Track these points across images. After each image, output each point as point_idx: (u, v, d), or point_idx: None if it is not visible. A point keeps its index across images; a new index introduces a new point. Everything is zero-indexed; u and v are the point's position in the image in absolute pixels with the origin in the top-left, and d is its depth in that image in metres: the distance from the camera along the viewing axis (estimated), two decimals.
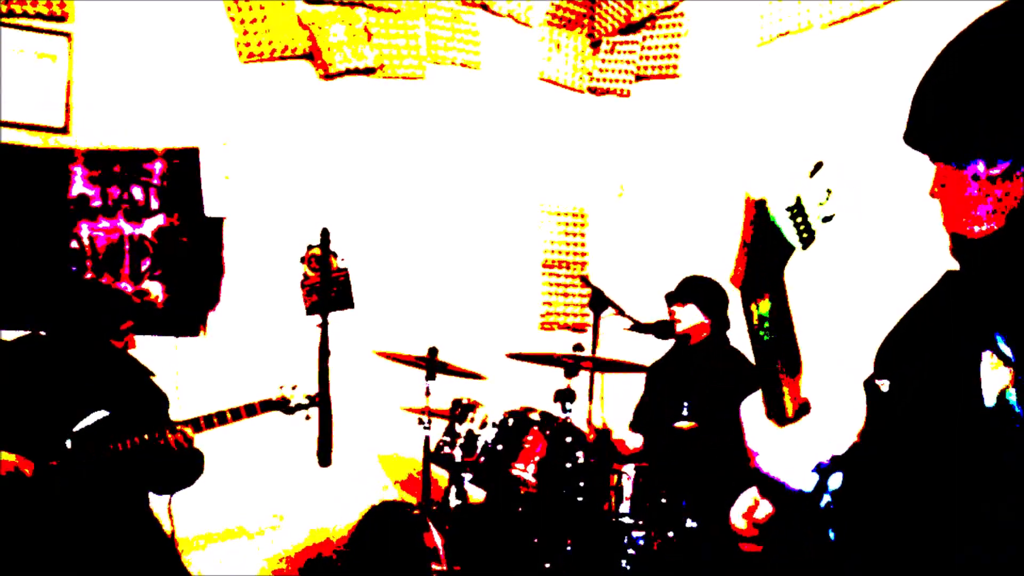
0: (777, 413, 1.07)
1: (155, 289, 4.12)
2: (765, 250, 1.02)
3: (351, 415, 3.78)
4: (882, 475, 1.04)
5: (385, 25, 4.70)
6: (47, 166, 3.93)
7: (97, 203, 4.02)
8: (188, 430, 2.99)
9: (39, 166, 3.91)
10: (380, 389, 4.36)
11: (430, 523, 3.38)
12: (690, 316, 3.72)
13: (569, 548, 3.24)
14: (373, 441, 4.55)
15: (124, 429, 2.96)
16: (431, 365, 3.73)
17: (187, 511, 3.42)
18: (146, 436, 2.94)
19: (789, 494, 1.06)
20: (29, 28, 3.91)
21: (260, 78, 4.40)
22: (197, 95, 4.25)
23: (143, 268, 4.10)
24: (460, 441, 3.57)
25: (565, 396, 3.49)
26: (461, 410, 3.65)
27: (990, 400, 0.95)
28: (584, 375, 3.60)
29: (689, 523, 3.21)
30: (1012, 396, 0.94)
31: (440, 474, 4.41)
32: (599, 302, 3.57)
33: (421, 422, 3.71)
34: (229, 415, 3.05)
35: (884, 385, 1.13)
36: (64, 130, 3.98)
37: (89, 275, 3.98)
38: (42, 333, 3.21)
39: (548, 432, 3.43)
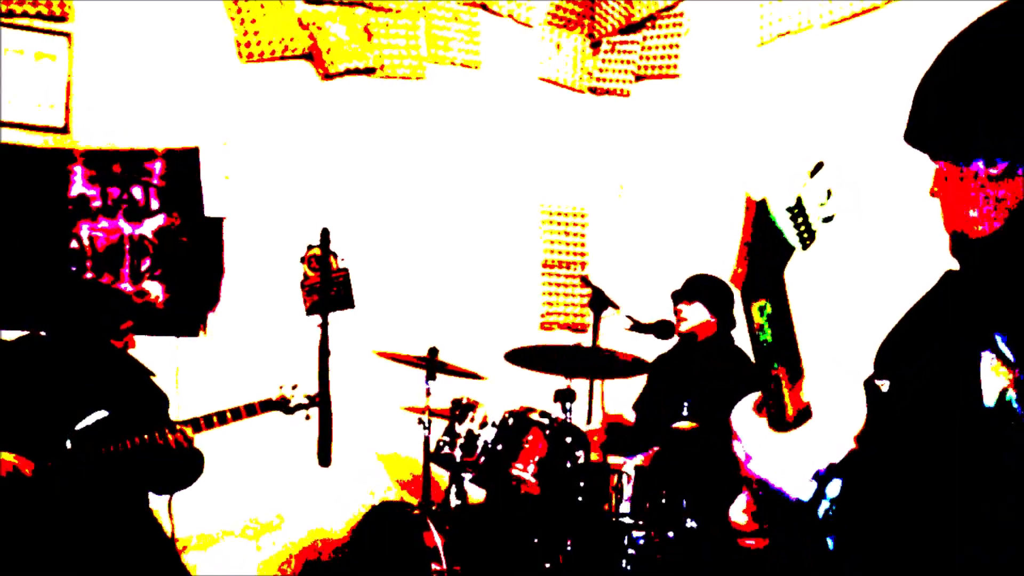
0: (777, 418, 1.07)
1: (155, 289, 4.12)
2: (765, 250, 1.02)
3: (351, 415, 3.78)
4: (881, 476, 1.04)
5: (385, 25, 4.70)
6: (47, 166, 3.93)
7: (97, 203, 4.02)
8: (188, 430, 2.99)
9: (39, 166, 3.91)
10: (380, 389, 4.36)
11: (430, 523, 3.38)
12: (696, 314, 3.71)
13: (569, 548, 3.24)
14: (373, 441, 4.55)
15: (124, 429, 2.96)
16: (431, 365, 3.73)
17: (187, 511, 3.42)
18: (146, 436, 2.94)
19: (784, 503, 1.05)
20: (29, 28, 3.91)
21: (260, 78, 4.40)
22: (197, 95, 4.24)
23: (143, 268, 4.10)
24: (460, 441, 3.56)
25: (565, 396, 3.49)
26: (461, 410, 3.65)
27: (990, 400, 0.95)
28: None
29: (689, 523, 3.20)
30: (1012, 396, 0.94)
31: (440, 474, 4.41)
32: (599, 302, 3.57)
33: (421, 422, 3.71)
34: (229, 415, 3.05)
35: (884, 385, 1.13)
36: (64, 130, 3.98)
37: (89, 275, 3.98)
38: (42, 333, 3.21)
39: (548, 432, 3.43)
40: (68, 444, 2.93)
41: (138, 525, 3.10)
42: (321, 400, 2.66)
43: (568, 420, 3.46)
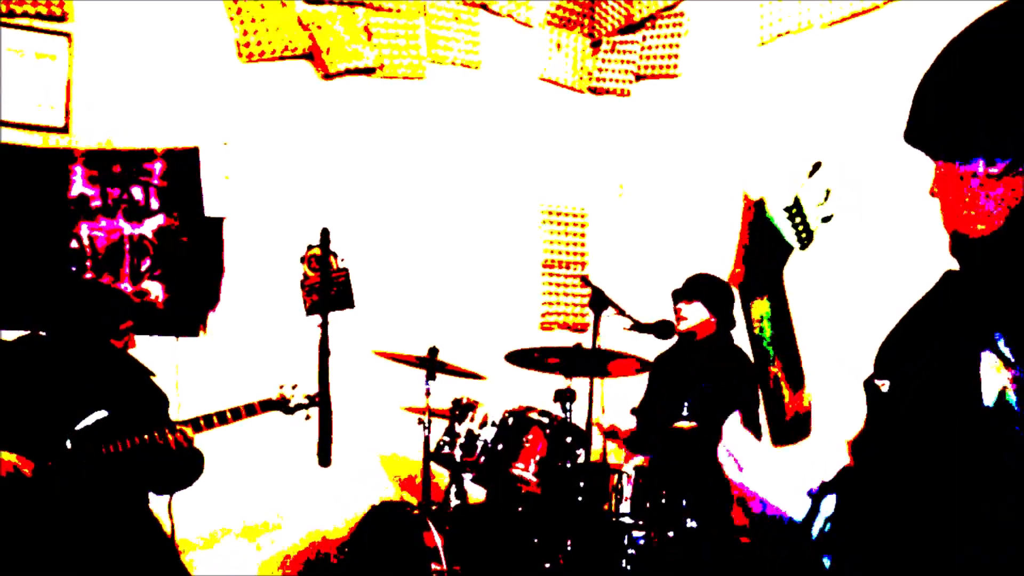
0: (775, 419, 1.06)
1: (155, 289, 4.12)
2: (764, 250, 1.02)
3: (351, 415, 3.78)
4: (879, 480, 1.04)
5: (385, 25, 4.70)
6: (47, 166, 3.93)
7: (97, 203, 4.02)
8: (188, 430, 2.99)
9: (39, 166, 3.91)
10: (380, 389, 4.36)
11: (430, 523, 3.38)
12: (696, 314, 3.72)
13: (569, 548, 3.24)
14: (373, 441, 4.55)
15: (124, 429, 2.96)
16: (431, 365, 3.73)
17: (187, 511, 3.42)
18: (146, 436, 2.94)
19: (776, 522, 1.04)
20: (29, 28, 3.91)
21: (260, 78, 4.40)
22: (197, 95, 4.25)
23: (143, 268, 4.10)
24: (460, 441, 3.56)
25: (565, 396, 3.49)
26: (461, 410, 3.65)
27: (990, 400, 0.95)
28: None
29: (689, 523, 3.20)
30: (1012, 396, 0.94)
31: (440, 474, 4.41)
32: (599, 302, 3.57)
33: (421, 422, 3.71)
34: (229, 415, 3.05)
35: (884, 385, 1.13)
36: (64, 130, 3.98)
37: (89, 275, 3.98)
38: (42, 333, 3.21)
39: (548, 431, 3.43)
40: (68, 444, 2.93)
41: (138, 525, 3.10)
42: (321, 400, 2.65)
43: (568, 420, 3.46)
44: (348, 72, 4.61)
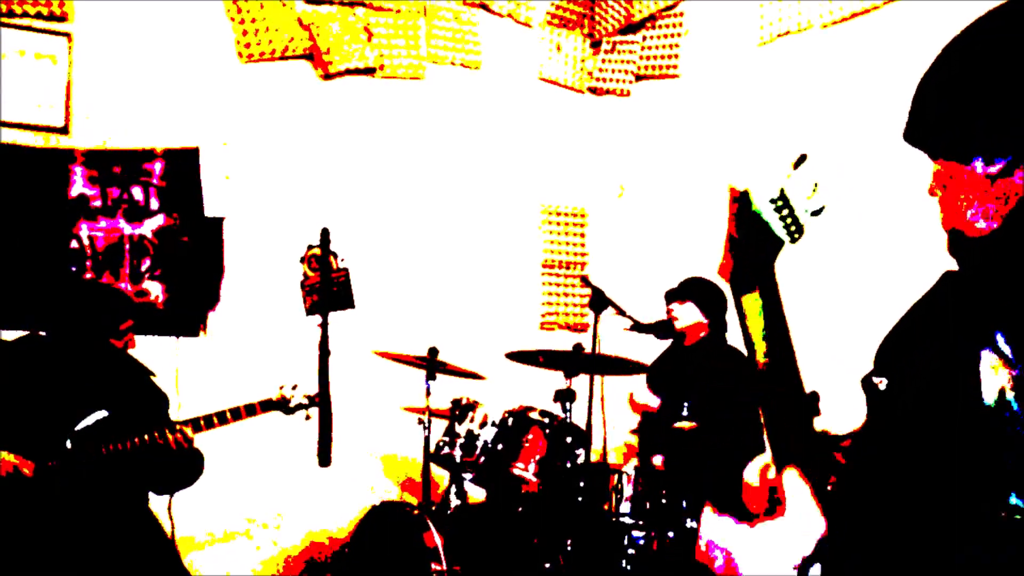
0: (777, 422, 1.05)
1: (155, 289, 4.12)
2: (751, 242, 1.02)
3: (351, 415, 3.78)
4: (876, 483, 1.04)
5: (385, 25, 4.70)
6: (47, 166, 3.93)
7: (97, 203, 4.02)
8: (188, 430, 2.99)
9: (39, 166, 3.91)
10: (380, 389, 4.36)
11: (430, 523, 3.38)
12: (688, 315, 3.74)
13: (569, 548, 3.24)
14: (373, 441, 4.55)
15: (124, 429, 2.96)
16: (431, 365, 3.73)
17: (187, 511, 3.42)
18: (146, 436, 2.94)
19: None
20: (29, 28, 3.91)
21: (260, 78, 4.40)
22: (197, 95, 4.25)
23: (143, 268, 4.10)
24: (460, 441, 3.56)
25: (565, 396, 3.50)
26: (461, 410, 3.65)
27: (990, 399, 0.95)
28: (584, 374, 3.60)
29: (689, 523, 3.20)
30: (1011, 395, 0.94)
31: (440, 474, 4.41)
32: (599, 302, 3.57)
33: (421, 422, 3.71)
34: (229, 415, 3.05)
35: (882, 383, 1.13)
36: (64, 130, 3.98)
37: (89, 275, 3.99)
38: (42, 333, 3.21)
39: (548, 431, 3.43)
40: (68, 444, 2.93)
41: (138, 525, 3.10)
42: (321, 400, 2.65)
43: (568, 420, 3.46)
44: (348, 72, 4.61)
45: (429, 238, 4.83)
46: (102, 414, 2.99)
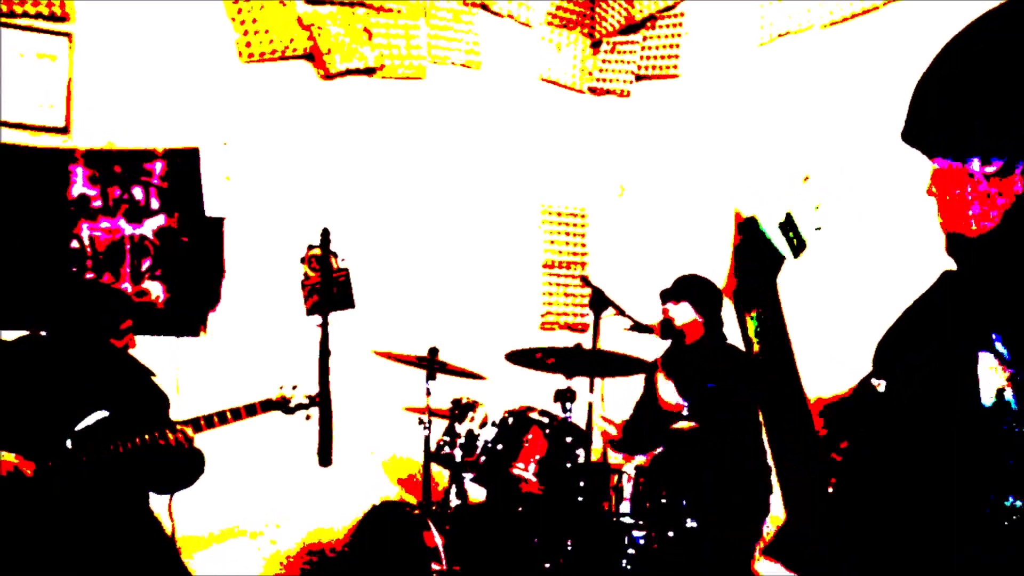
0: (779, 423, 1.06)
1: (155, 289, 4.12)
2: (757, 263, 1.03)
3: (351, 415, 3.78)
4: (876, 478, 1.04)
5: (385, 25, 4.70)
6: (47, 166, 3.93)
7: (97, 203, 4.03)
8: (188, 430, 2.99)
9: (39, 166, 3.92)
10: (380, 389, 4.36)
11: (430, 523, 3.38)
12: (683, 314, 3.74)
13: (569, 548, 3.24)
14: (373, 441, 4.55)
15: (124, 429, 2.96)
16: (431, 365, 3.74)
17: (187, 511, 3.42)
18: (146, 436, 2.94)
19: None
20: (29, 28, 3.91)
21: (260, 78, 4.40)
22: (197, 95, 4.25)
23: (143, 268, 4.10)
24: (460, 441, 3.57)
25: (565, 396, 3.50)
26: (461, 410, 3.65)
27: (988, 400, 0.95)
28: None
29: (689, 523, 3.20)
30: (1009, 395, 0.94)
31: (440, 474, 4.41)
32: (599, 302, 3.57)
33: (421, 422, 3.71)
34: (229, 415, 3.05)
35: (880, 385, 1.13)
36: (64, 130, 3.99)
37: (89, 275, 3.99)
38: (42, 333, 3.21)
39: (548, 431, 3.43)
40: (69, 444, 2.93)
41: (138, 525, 3.10)
42: (321, 400, 2.65)
43: (568, 420, 3.46)
44: (348, 72, 4.61)
45: (429, 238, 4.83)
46: (102, 414, 2.99)
